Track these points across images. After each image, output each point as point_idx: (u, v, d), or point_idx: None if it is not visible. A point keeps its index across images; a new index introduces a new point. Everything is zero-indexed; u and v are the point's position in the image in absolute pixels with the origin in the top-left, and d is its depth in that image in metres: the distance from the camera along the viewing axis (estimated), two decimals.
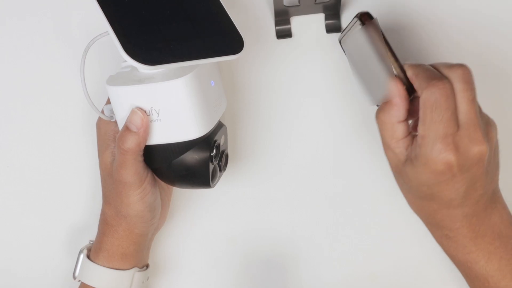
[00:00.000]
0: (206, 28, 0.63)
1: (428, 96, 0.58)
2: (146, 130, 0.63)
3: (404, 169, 0.61)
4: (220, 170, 0.70)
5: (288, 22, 0.75)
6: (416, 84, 0.59)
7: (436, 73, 0.59)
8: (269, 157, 0.77)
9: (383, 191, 0.76)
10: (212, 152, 0.66)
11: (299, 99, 0.76)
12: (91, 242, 0.72)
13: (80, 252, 0.71)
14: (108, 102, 0.70)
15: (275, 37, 0.76)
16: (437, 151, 0.58)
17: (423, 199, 0.63)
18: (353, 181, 0.77)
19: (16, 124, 0.78)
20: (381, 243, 0.77)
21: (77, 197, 0.78)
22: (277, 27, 0.75)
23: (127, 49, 0.57)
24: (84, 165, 0.77)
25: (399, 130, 0.61)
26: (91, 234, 0.74)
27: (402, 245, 0.76)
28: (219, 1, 0.66)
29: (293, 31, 0.76)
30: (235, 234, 0.78)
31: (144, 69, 0.59)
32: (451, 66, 0.59)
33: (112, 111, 0.67)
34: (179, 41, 0.61)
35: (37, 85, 0.77)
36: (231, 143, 0.77)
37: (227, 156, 0.71)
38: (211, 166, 0.66)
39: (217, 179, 0.69)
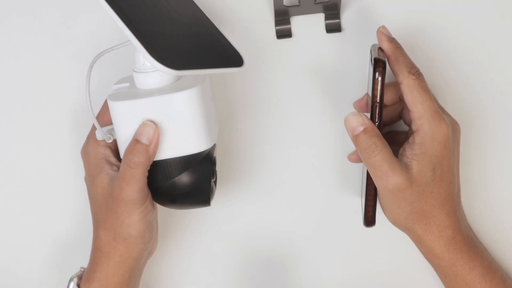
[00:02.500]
0: (209, 44, 0.65)
1: (412, 81, 0.65)
2: (157, 143, 0.62)
3: (409, 174, 0.65)
4: (215, 188, 0.70)
5: (288, 22, 0.75)
6: (396, 68, 0.66)
7: (411, 64, 0.66)
8: (269, 157, 0.77)
9: None
10: (213, 168, 0.66)
11: (298, 99, 0.76)
12: (82, 270, 0.71)
13: (70, 280, 0.70)
14: (102, 124, 0.69)
15: (275, 37, 0.76)
16: (438, 122, 0.64)
17: (426, 196, 0.66)
18: (353, 181, 0.77)
19: (16, 124, 0.78)
20: (381, 243, 0.77)
21: (77, 197, 0.78)
22: (277, 27, 0.75)
23: (153, 54, 0.57)
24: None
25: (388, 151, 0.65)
26: (91, 234, 0.74)
27: (401, 245, 0.76)
28: (215, 26, 0.68)
29: (293, 31, 0.76)
30: (235, 234, 0.78)
31: (169, 74, 0.59)
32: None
33: (108, 132, 0.66)
34: (192, 51, 0.62)
35: (37, 85, 0.77)
36: (232, 143, 0.77)
37: (217, 174, 0.71)
38: (211, 182, 0.67)
39: (213, 197, 0.69)
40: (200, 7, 0.70)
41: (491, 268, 0.69)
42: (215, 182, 0.69)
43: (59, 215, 0.78)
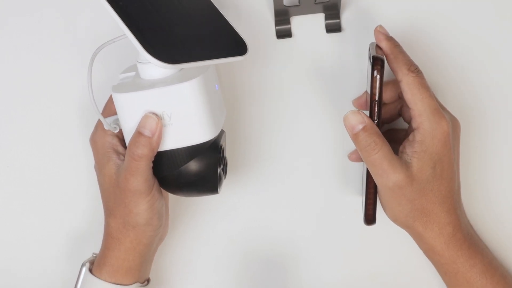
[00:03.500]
0: (212, 33, 0.65)
1: (412, 79, 0.65)
2: (160, 134, 0.63)
3: (409, 171, 0.65)
4: (224, 176, 0.70)
5: (288, 22, 0.75)
6: (395, 66, 0.66)
7: (410, 61, 0.66)
8: (269, 157, 0.77)
9: None
10: (220, 156, 0.66)
11: (298, 99, 0.76)
12: (94, 256, 0.72)
13: (83, 265, 0.70)
14: (105, 114, 0.70)
15: (275, 37, 0.76)
16: (438, 120, 0.64)
17: (427, 193, 0.66)
18: (353, 181, 0.77)
19: (16, 124, 0.78)
20: (381, 243, 0.77)
21: (77, 197, 0.78)
22: (277, 27, 0.75)
23: (148, 49, 0.57)
24: (84, 165, 0.77)
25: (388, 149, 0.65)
26: (91, 234, 0.75)
27: (402, 245, 0.76)
28: (220, 12, 0.67)
29: (293, 31, 0.76)
30: (235, 234, 0.78)
31: (165, 68, 0.59)
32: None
33: (114, 123, 0.67)
34: (192, 43, 0.62)
35: (37, 85, 0.77)
36: (233, 144, 0.77)
37: (227, 162, 0.71)
38: (218, 171, 0.66)
39: (222, 184, 0.69)
40: None
41: (492, 265, 0.69)
42: (224, 170, 0.69)
43: (59, 215, 0.78)
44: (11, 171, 0.78)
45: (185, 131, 0.63)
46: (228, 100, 0.76)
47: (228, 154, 0.76)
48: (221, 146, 0.66)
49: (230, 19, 0.66)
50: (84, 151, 0.77)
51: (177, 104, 0.62)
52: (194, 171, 0.65)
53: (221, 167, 0.68)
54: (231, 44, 0.65)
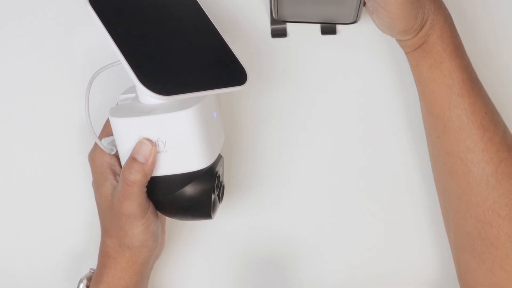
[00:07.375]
0: (212, 61, 0.65)
1: None
2: (154, 161, 0.63)
3: None
4: (219, 201, 0.70)
5: (284, 21, 0.76)
6: None
7: None
8: (269, 157, 0.78)
9: (383, 192, 0.76)
10: (215, 183, 0.66)
11: (292, 98, 0.77)
12: (92, 271, 0.72)
13: (80, 281, 0.71)
14: (104, 134, 0.70)
15: (270, 36, 0.76)
16: None
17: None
18: (353, 182, 0.77)
19: (16, 124, 0.78)
20: (382, 244, 0.77)
21: (77, 197, 0.78)
22: (272, 26, 0.76)
23: (142, 79, 0.58)
24: (84, 165, 0.77)
25: None
26: (91, 234, 0.75)
27: (402, 245, 0.76)
28: (221, 37, 0.67)
29: (288, 30, 0.76)
30: (235, 234, 0.78)
31: (158, 100, 0.60)
32: None
33: (112, 144, 0.67)
34: (188, 72, 0.62)
35: (37, 86, 0.78)
36: (231, 146, 0.77)
37: (224, 187, 0.71)
38: (212, 197, 0.67)
39: (216, 210, 0.69)
40: (207, 15, 0.69)
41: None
42: (219, 195, 0.69)
43: (59, 215, 0.79)
44: (11, 171, 0.79)
45: (179, 158, 0.63)
46: (225, 100, 0.77)
47: (229, 152, 0.76)
48: (216, 172, 0.66)
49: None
50: (84, 151, 0.77)
51: (172, 132, 0.62)
52: (188, 197, 0.65)
53: (216, 193, 0.68)
54: (230, 72, 0.64)
